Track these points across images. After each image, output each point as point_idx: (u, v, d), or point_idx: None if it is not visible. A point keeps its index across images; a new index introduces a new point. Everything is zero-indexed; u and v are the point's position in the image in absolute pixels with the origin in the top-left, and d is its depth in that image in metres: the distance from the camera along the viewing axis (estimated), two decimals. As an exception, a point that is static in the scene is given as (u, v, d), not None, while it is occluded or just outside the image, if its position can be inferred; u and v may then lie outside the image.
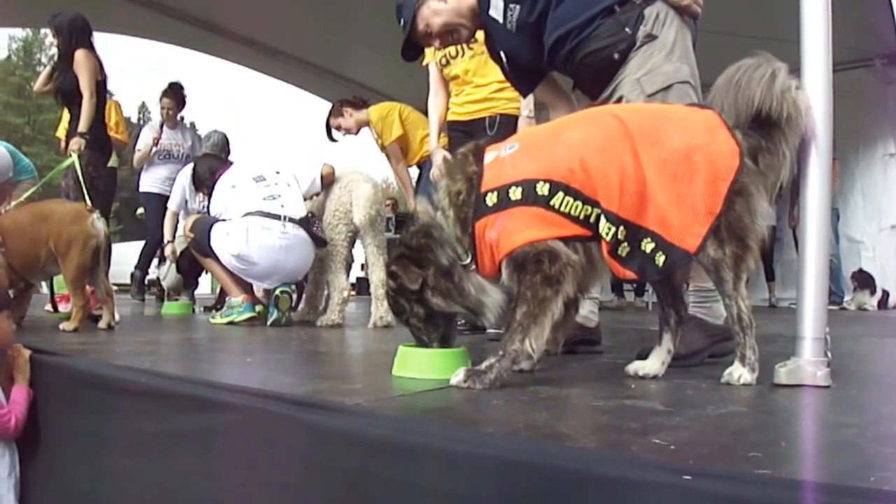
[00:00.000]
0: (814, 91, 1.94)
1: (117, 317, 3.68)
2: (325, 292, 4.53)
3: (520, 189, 1.90)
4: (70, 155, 4.41)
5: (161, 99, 6.66)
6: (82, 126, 4.52)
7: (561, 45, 2.49)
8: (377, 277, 4.21)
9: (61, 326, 3.39)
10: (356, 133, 5.54)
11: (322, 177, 4.40)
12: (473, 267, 1.99)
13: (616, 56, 2.40)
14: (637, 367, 2.13)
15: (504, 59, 2.76)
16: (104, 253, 3.60)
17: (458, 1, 2.65)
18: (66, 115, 5.19)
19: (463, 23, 2.66)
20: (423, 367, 2.05)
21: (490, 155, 2.03)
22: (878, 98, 7.45)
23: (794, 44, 1.98)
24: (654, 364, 2.13)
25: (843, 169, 7.47)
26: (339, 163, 5.34)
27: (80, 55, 4.66)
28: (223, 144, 6.03)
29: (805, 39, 1.96)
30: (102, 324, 3.53)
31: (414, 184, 5.17)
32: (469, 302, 2.01)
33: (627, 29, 2.38)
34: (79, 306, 3.43)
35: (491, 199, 1.93)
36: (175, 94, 6.65)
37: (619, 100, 2.40)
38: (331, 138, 5.72)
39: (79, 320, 3.40)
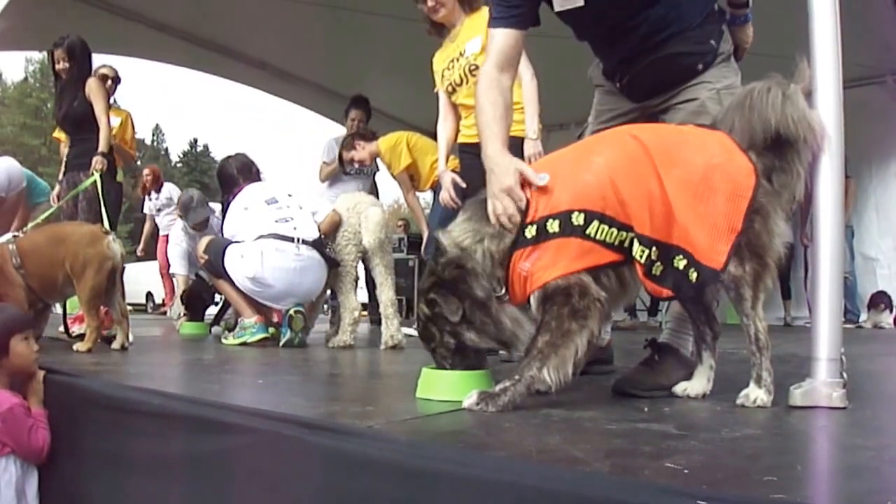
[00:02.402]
0: (824, 108, 1.94)
1: (131, 338, 3.70)
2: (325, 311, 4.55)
3: (557, 221, 1.90)
4: (92, 174, 4.46)
5: (349, 111, 6.47)
6: (103, 146, 4.59)
7: (654, 27, 2.25)
8: (386, 297, 4.23)
9: (75, 347, 3.42)
10: (370, 164, 5.69)
11: (328, 216, 4.37)
12: (507, 298, 1.99)
13: (700, 67, 2.30)
14: (684, 387, 2.14)
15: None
16: (119, 274, 3.64)
17: None
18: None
19: None
20: (448, 389, 2.04)
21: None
22: (890, 114, 7.41)
23: (804, 62, 1.97)
24: (699, 383, 2.13)
25: (857, 186, 7.45)
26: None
27: (93, 83, 4.75)
28: (200, 201, 5.81)
29: (815, 57, 1.96)
30: (116, 344, 3.56)
31: (429, 206, 5.22)
32: (504, 335, 2.01)
33: (713, 42, 2.30)
34: (93, 327, 3.46)
35: (530, 232, 1.93)
36: (364, 107, 6.47)
37: (690, 100, 2.30)
38: (345, 171, 5.82)
39: (93, 341, 3.43)
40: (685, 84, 2.32)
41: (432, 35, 3.97)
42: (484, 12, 3.69)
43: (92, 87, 4.73)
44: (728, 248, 1.86)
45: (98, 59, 5.14)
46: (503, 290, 1.98)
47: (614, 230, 1.90)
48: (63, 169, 5.00)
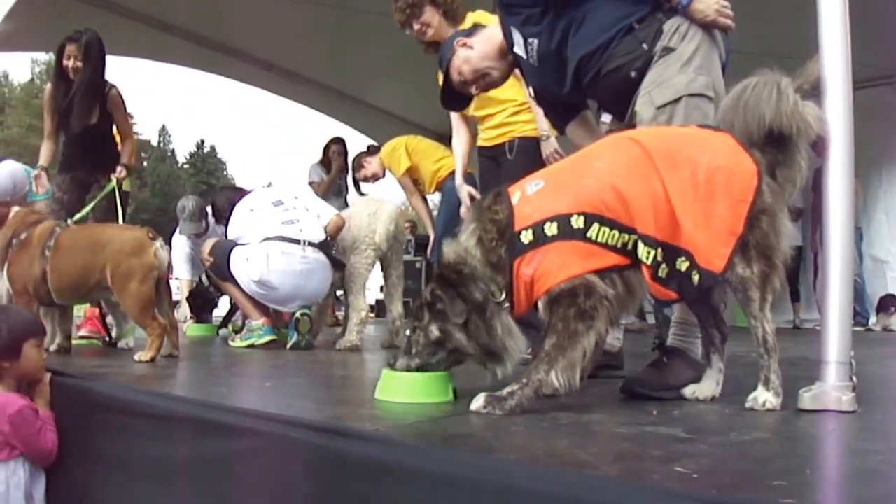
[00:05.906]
0: (834, 109, 1.94)
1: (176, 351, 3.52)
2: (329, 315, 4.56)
3: (555, 224, 1.90)
4: (111, 180, 4.32)
5: (329, 147, 6.63)
6: (126, 159, 4.46)
7: (585, 67, 2.44)
8: (396, 310, 4.24)
9: (136, 357, 3.18)
10: (384, 176, 5.73)
11: (332, 219, 4.34)
12: (506, 305, 1.98)
13: (633, 74, 2.35)
14: (692, 390, 2.13)
15: (534, 95, 2.83)
16: (166, 282, 3.46)
17: (483, 45, 2.68)
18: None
19: (491, 65, 2.68)
20: (405, 391, 2.06)
21: (516, 195, 2.02)
22: (900, 116, 7.38)
23: (813, 61, 1.97)
24: (708, 386, 2.13)
25: (866, 187, 7.40)
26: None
27: (116, 97, 4.45)
28: (201, 211, 5.64)
29: (824, 58, 1.96)
30: (164, 352, 3.35)
31: (436, 206, 5.25)
32: (494, 344, 1.99)
33: (645, 45, 2.34)
34: (154, 335, 3.22)
35: (526, 237, 1.92)
36: (341, 142, 6.61)
37: (633, 115, 2.37)
38: (360, 192, 5.89)
39: (155, 349, 3.19)
40: (635, 97, 2.37)
41: (430, 53, 3.98)
42: (469, 19, 3.73)
43: (116, 103, 4.45)
44: (729, 250, 1.86)
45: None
46: (503, 296, 1.97)
47: (616, 232, 1.89)
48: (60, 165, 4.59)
